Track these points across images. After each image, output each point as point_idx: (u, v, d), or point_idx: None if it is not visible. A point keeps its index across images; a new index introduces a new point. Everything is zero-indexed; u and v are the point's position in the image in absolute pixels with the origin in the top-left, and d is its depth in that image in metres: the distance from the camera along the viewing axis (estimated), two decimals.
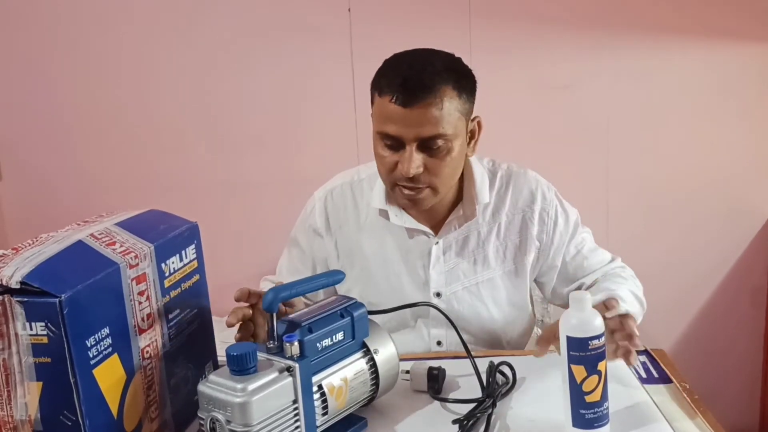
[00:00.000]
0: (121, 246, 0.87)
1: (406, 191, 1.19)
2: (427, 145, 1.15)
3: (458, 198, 1.30)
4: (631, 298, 1.24)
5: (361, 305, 0.99)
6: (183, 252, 0.97)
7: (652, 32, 2.09)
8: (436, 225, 1.30)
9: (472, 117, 1.22)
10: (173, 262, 0.94)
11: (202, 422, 0.83)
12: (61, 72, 2.19)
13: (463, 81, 1.17)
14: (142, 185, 2.21)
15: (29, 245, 0.82)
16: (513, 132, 2.12)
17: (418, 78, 1.11)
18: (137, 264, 0.86)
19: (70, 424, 0.77)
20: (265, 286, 1.35)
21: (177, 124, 2.20)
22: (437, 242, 1.30)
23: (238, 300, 1.04)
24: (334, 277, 1.02)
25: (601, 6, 2.08)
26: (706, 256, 2.22)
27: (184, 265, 0.97)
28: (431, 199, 1.21)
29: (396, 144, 1.16)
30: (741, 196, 2.20)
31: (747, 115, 2.14)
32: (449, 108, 1.13)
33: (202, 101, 2.18)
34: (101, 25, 2.15)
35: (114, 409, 0.83)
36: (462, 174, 1.27)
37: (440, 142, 1.14)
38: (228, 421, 0.80)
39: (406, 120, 1.12)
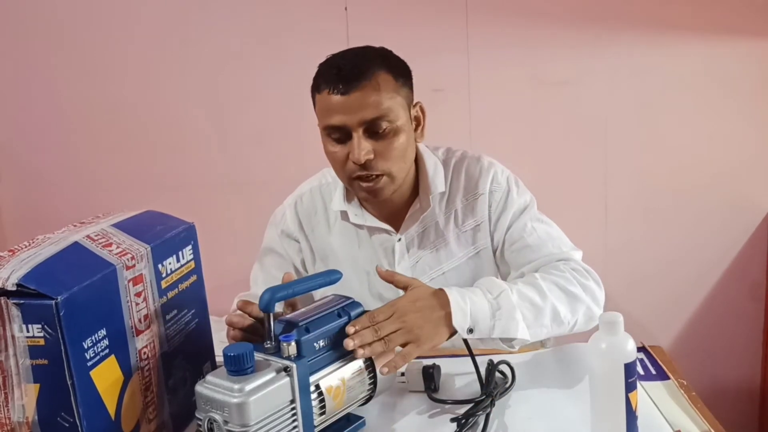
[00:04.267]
0: (118, 247, 0.87)
1: (363, 183, 1.19)
2: (373, 130, 1.16)
3: (415, 193, 1.30)
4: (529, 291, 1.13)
5: (359, 304, 0.99)
6: (180, 253, 0.97)
7: (650, 28, 2.08)
8: (397, 221, 1.30)
9: (413, 103, 1.24)
10: (170, 263, 0.94)
11: (199, 423, 0.83)
12: (59, 72, 2.18)
13: (397, 68, 1.20)
14: (142, 185, 2.20)
15: (26, 247, 0.82)
16: (511, 128, 2.12)
17: (351, 65, 1.15)
18: (134, 265, 0.86)
19: (67, 425, 0.78)
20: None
21: (177, 124, 2.19)
22: (399, 239, 1.30)
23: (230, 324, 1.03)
24: (332, 276, 1.02)
25: (599, 2, 2.07)
26: (705, 251, 2.21)
27: (181, 265, 0.97)
28: (389, 187, 1.21)
29: (343, 135, 1.17)
30: (740, 192, 2.19)
31: (745, 110, 2.14)
32: (387, 90, 1.15)
33: (202, 102, 2.17)
34: (101, 25, 2.14)
35: (112, 410, 0.83)
36: (417, 167, 1.28)
37: (384, 124, 1.15)
38: (225, 422, 0.80)
39: (347, 107, 1.14)
